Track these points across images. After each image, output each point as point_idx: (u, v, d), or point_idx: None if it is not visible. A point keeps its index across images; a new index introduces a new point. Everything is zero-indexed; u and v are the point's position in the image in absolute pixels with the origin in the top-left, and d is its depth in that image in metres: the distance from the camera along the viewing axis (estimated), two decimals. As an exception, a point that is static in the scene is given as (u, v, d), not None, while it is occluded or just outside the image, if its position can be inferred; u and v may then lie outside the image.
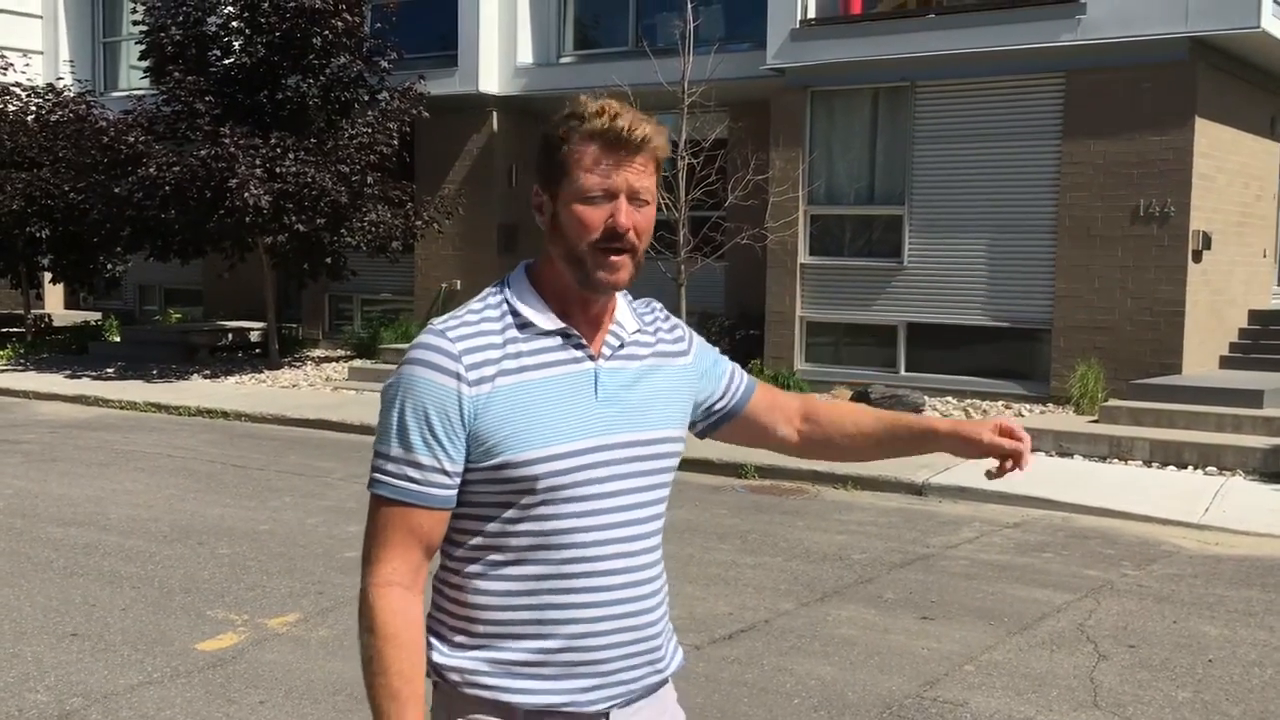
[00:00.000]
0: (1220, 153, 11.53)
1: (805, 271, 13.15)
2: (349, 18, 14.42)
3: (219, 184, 13.48)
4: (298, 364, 15.42)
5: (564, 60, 16.07)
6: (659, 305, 1.96)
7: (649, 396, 1.78)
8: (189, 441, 10.46)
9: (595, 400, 1.72)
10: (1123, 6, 10.98)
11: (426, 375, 1.66)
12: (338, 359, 15.84)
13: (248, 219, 13.65)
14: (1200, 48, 10.96)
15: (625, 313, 1.83)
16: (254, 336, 16.78)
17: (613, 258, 1.70)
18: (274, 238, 14.10)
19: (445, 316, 1.73)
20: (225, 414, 11.94)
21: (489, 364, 1.67)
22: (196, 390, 13.46)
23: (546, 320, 1.73)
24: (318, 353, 16.57)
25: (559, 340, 1.73)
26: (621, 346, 1.78)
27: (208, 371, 14.84)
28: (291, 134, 14.18)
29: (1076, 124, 11.44)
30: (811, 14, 12.82)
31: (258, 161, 13.58)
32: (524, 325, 1.72)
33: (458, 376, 1.65)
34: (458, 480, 1.68)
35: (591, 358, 1.74)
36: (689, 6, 12.31)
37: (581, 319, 1.75)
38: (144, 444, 10.28)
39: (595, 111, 1.77)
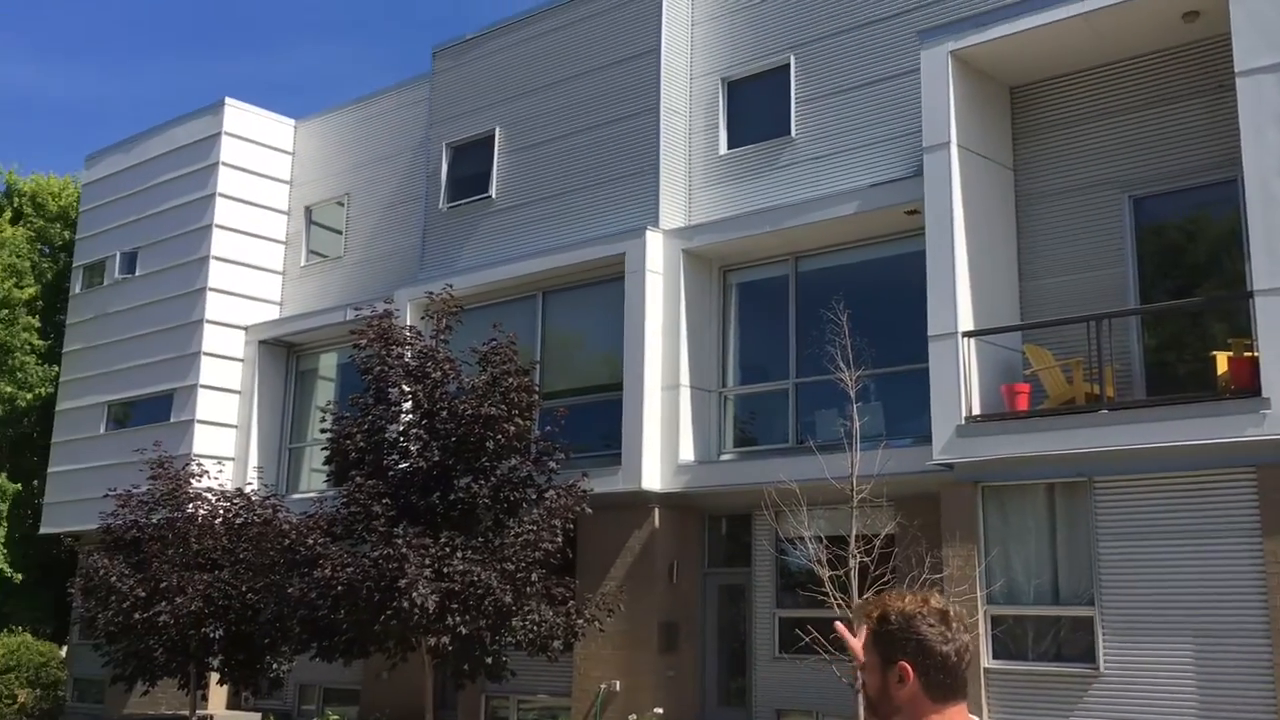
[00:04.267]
0: None
1: (990, 677, 12.30)
2: (520, 422, 15.04)
3: (389, 584, 13.66)
4: (453, 771, 14.82)
5: (725, 457, 16.33)
6: None
7: None
8: None
9: None
10: (1310, 399, 10.64)
11: None
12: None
13: (413, 620, 13.69)
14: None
15: None
16: (409, 740, 16.33)
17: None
18: (438, 639, 14.04)
19: None
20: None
21: None
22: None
23: None
24: (472, 758, 15.97)
25: None
26: None
27: (362, 779, 14.37)
28: (460, 533, 14.47)
29: (1277, 521, 10.79)
30: (977, 410, 12.81)
31: (427, 561, 13.79)
32: None
33: None
34: None
35: None
36: (853, 405, 12.47)
37: None
38: None
39: None
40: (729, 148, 16.94)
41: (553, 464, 15.34)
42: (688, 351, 16.32)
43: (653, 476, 15.88)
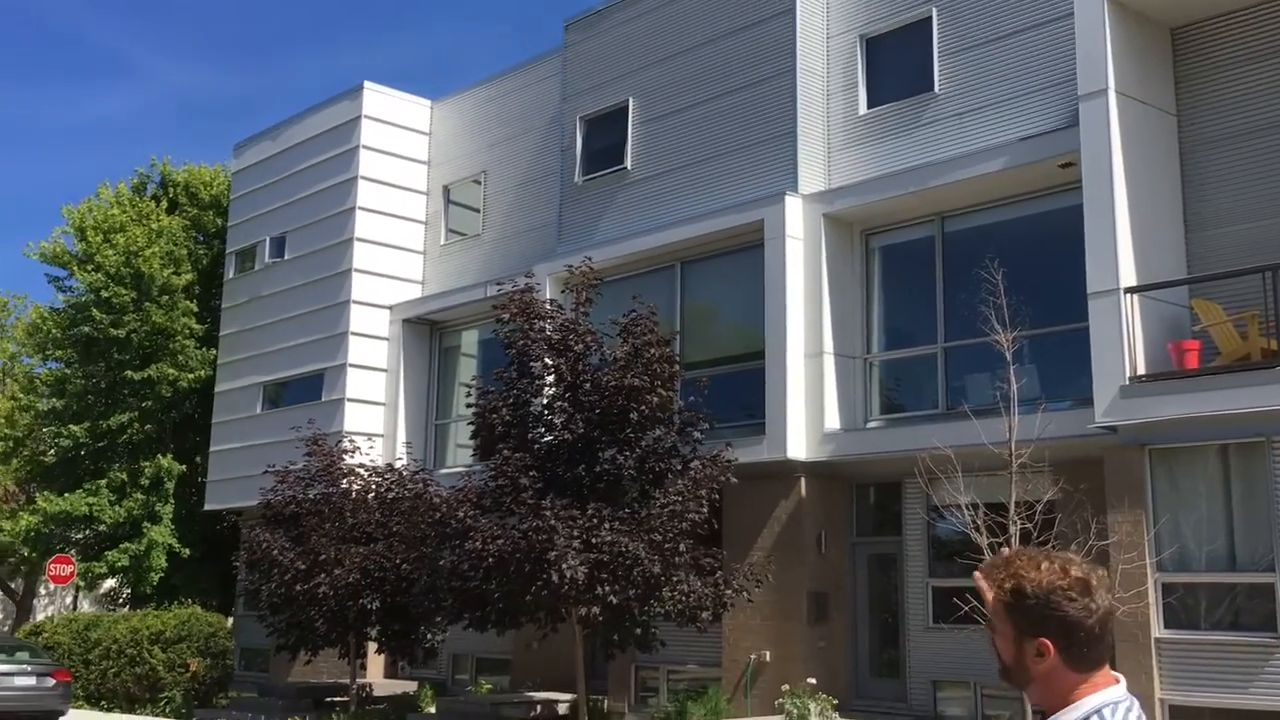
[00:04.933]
0: None
1: (1161, 647, 11.76)
2: (663, 393, 15.00)
3: (538, 555, 13.79)
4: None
5: (871, 425, 15.99)
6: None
7: None
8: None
9: None
10: None
11: None
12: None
13: (563, 590, 13.80)
14: None
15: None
16: (561, 709, 16.53)
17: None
18: (588, 609, 14.14)
19: None
20: (539, 797, 11.51)
21: None
22: (508, 768, 13.16)
23: None
24: (625, 727, 16.08)
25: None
26: None
27: (518, 747, 14.59)
28: (607, 504, 14.51)
29: None
30: (1141, 370, 12.22)
31: (575, 532, 13.87)
32: None
33: None
34: None
35: None
36: (1010, 366, 12.03)
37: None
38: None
39: None
40: (869, 107, 16.50)
41: (697, 434, 15.25)
42: (830, 318, 16.01)
43: (798, 445, 15.66)
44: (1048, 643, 2.23)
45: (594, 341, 15.54)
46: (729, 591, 14.65)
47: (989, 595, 2.31)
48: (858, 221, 16.37)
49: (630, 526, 14.22)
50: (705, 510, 14.72)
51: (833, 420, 15.75)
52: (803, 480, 15.68)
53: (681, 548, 14.37)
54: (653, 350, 15.09)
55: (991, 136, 14.84)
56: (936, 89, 15.71)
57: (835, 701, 13.13)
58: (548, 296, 17.63)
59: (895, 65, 16.36)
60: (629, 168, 18.78)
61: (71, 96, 66.91)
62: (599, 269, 16.56)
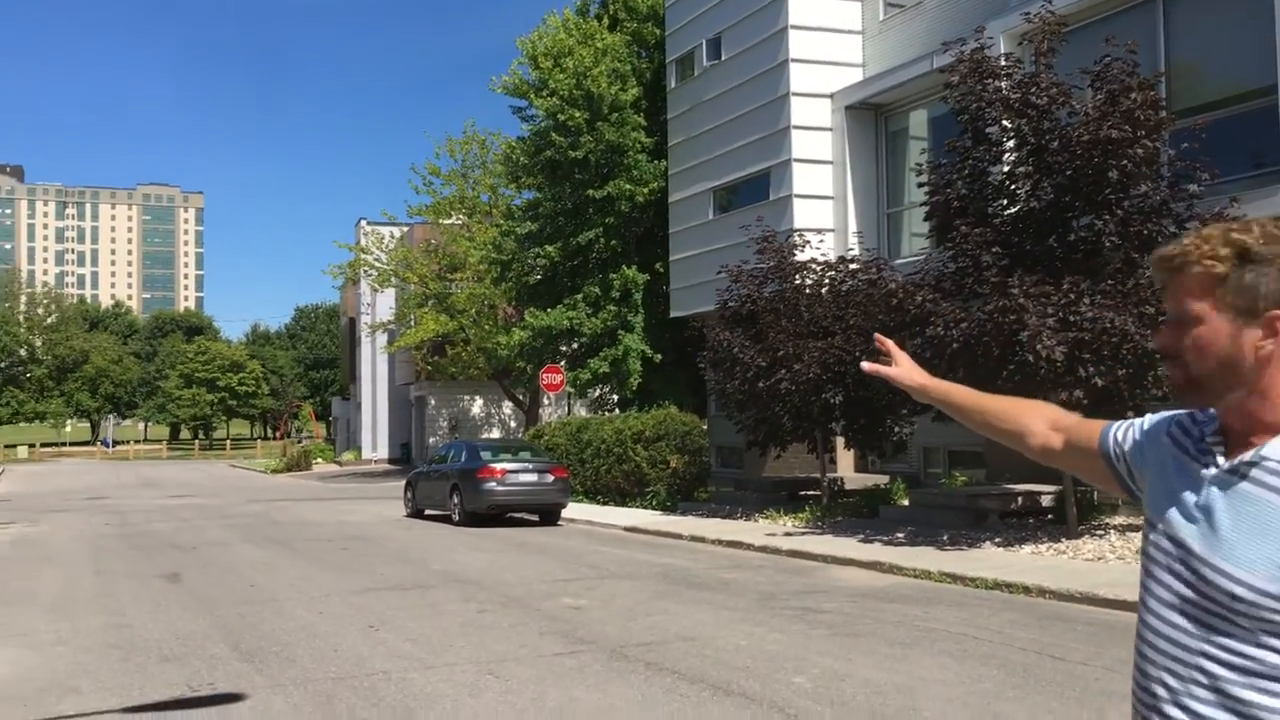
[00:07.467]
0: None
1: None
2: (1149, 144, 12.96)
3: (1007, 338, 12.65)
4: (1098, 533, 13.74)
5: None
6: None
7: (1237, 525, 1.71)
8: (991, 621, 9.37)
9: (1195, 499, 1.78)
10: None
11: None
12: (1141, 528, 13.84)
13: (1039, 373, 12.59)
14: None
15: None
16: (1045, 501, 15.45)
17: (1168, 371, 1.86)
18: (1069, 392, 12.83)
19: None
20: (1026, 589, 10.71)
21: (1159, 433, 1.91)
22: (991, 560, 12.45)
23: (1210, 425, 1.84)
24: (1118, 520, 14.72)
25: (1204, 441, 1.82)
26: (1247, 466, 1.71)
27: (999, 539, 13.80)
28: (1085, 277, 12.95)
29: None
30: None
31: (1049, 310, 12.54)
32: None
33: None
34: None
35: (1215, 466, 1.77)
36: None
37: (1228, 429, 1.80)
38: (945, 620, 9.40)
39: None
40: None
41: (1193, 188, 13.12)
42: (1369, 30, 12.90)
43: (1327, 193, 12.99)
44: None
45: (1060, 94, 13.68)
46: (1242, 368, 12.68)
47: (1191, 273, 1.76)
48: (1406, -99, 12.90)
49: (1115, 300, 12.63)
50: (1207, 277, 12.72)
51: (1374, 158, 12.86)
52: (1335, 235, 13.03)
53: (1181, 321, 12.57)
54: (1134, 96, 13.02)
55: None
56: None
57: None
58: (1003, 53, 15.77)
59: None
60: (1092, -110, 16.09)
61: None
62: (1062, 15, 14.46)
